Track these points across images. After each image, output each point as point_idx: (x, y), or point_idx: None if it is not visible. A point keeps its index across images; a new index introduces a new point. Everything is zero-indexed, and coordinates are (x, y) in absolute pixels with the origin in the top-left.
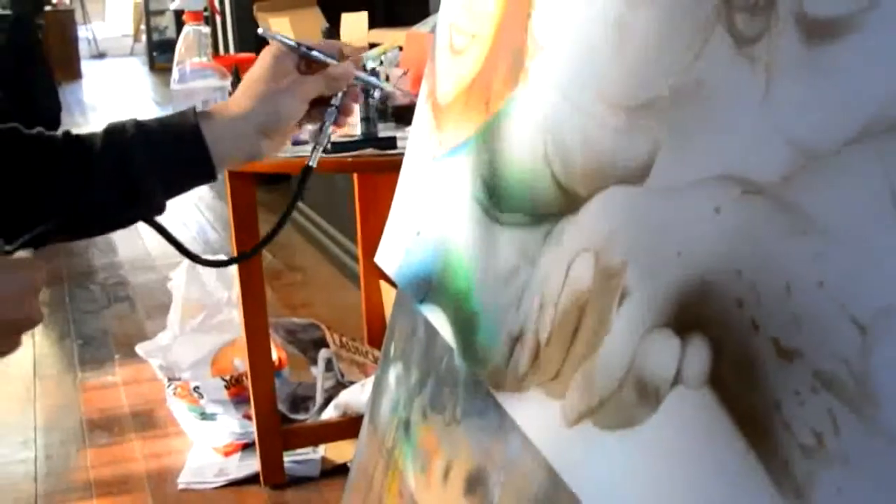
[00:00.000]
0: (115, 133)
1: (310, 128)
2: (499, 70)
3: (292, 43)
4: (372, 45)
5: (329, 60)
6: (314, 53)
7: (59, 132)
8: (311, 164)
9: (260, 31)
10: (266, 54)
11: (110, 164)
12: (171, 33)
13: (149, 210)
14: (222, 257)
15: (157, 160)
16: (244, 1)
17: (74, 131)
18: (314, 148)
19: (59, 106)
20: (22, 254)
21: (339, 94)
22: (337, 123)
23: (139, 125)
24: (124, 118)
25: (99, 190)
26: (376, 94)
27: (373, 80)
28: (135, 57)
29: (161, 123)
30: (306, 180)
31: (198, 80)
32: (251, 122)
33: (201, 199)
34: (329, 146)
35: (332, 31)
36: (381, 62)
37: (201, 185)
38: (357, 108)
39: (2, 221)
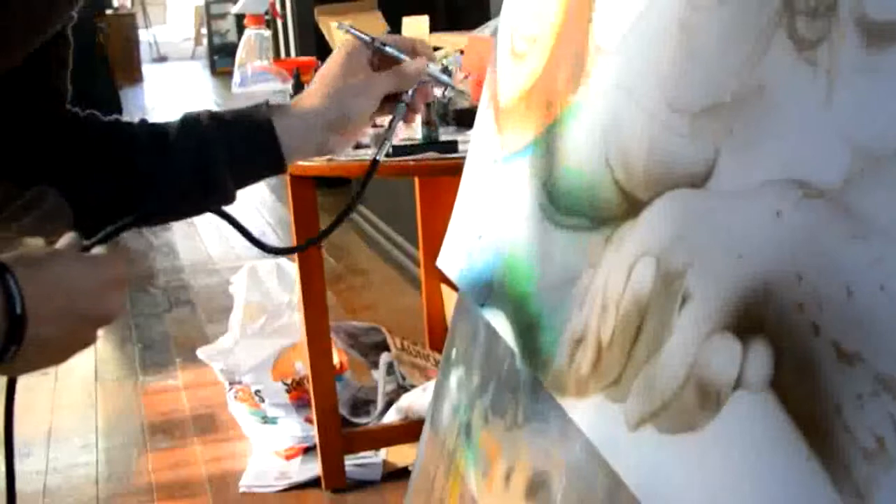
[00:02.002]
0: (190, 122)
1: (371, 132)
2: (560, 73)
3: (367, 38)
4: (433, 49)
5: (402, 56)
6: (388, 49)
7: (138, 120)
8: (378, 157)
9: (335, 24)
10: (340, 50)
11: (186, 152)
12: (232, 37)
13: (222, 199)
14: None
15: (230, 150)
16: (305, 4)
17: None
18: (382, 142)
19: (120, 109)
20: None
21: (410, 91)
22: (406, 120)
23: (214, 115)
24: (199, 109)
25: (174, 177)
26: (448, 92)
27: (445, 78)
28: (196, 60)
29: (235, 114)
30: (373, 173)
31: (259, 84)
32: (322, 117)
33: (262, 203)
34: (390, 150)
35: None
36: (445, 66)
37: (271, 176)
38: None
39: (81, 207)
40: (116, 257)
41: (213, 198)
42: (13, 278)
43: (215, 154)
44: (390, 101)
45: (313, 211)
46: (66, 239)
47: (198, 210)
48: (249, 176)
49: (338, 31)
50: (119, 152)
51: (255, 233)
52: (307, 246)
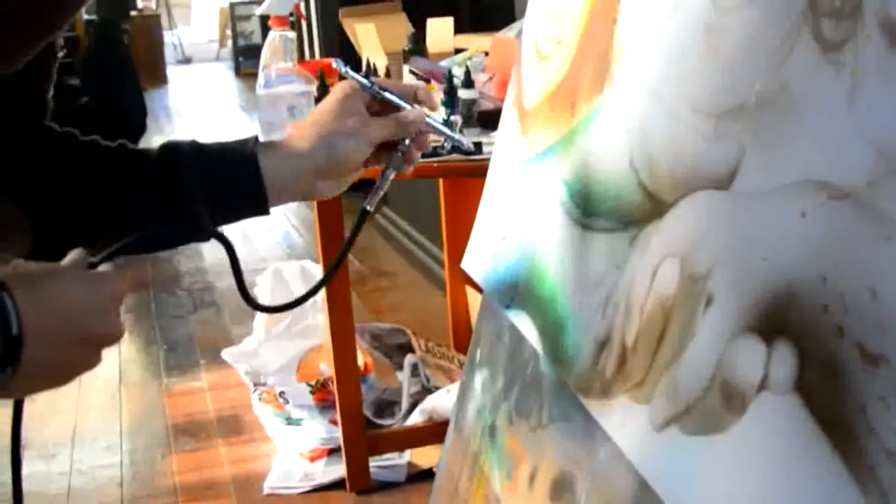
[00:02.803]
0: (169, 151)
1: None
2: (584, 75)
3: (366, 82)
4: (458, 51)
5: (401, 104)
6: (387, 95)
7: (116, 143)
8: (368, 207)
9: (333, 64)
10: (338, 90)
11: (157, 179)
12: (256, 38)
13: (196, 233)
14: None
15: (207, 185)
16: (330, 6)
17: (156, 138)
18: (374, 191)
19: (144, 111)
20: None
21: (408, 140)
22: (401, 170)
23: (196, 147)
24: (184, 138)
25: (141, 203)
26: (447, 144)
27: (445, 129)
28: (220, 62)
29: (220, 148)
30: (362, 223)
31: (283, 86)
32: (308, 161)
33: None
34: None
35: (418, 37)
36: (468, 68)
37: (253, 217)
38: (441, 113)
39: (43, 224)
40: (119, 276)
41: (186, 231)
42: (10, 297)
43: (187, 186)
44: (386, 149)
45: (338, 211)
46: (71, 256)
47: (172, 241)
48: (231, 214)
49: (337, 69)
50: (89, 172)
51: (280, 234)
52: (293, 306)
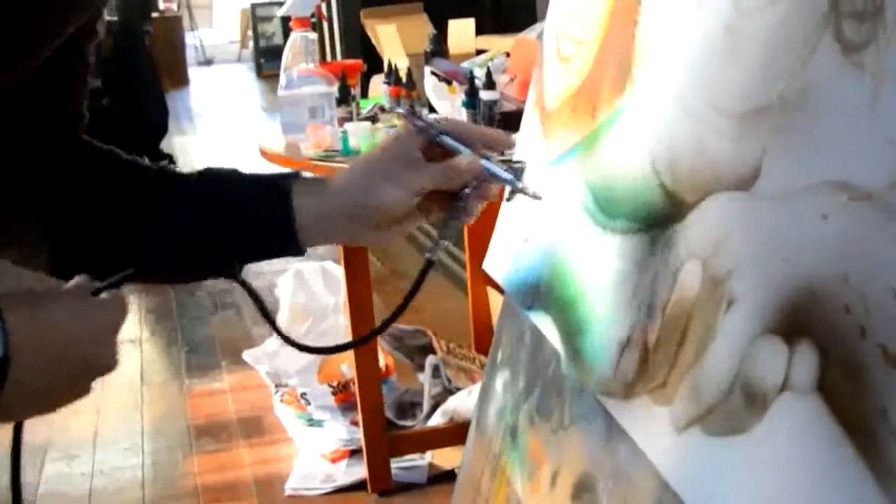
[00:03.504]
0: (207, 179)
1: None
2: (606, 76)
3: (421, 123)
4: (479, 52)
5: (459, 148)
6: (444, 139)
7: (157, 165)
8: (430, 257)
9: (399, 109)
10: (394, 131)
11: (188, 210)
12: (277, 40)
13: (222, 270)
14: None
15: (235, 221)
16: (351, 7)
17: (178, 138)
18: (437, 242)
19: (166, 112)
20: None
21: (468, 188)
22: (462, 221)
23: (234, 178)
24: (224, 166)
25: (169, 231)
26: (508, 192)
27: (507, 176)
28: (242, 63)
29: (256, 181)
30: (426, 274)
31: (305, 87)
32: (341, 204)
33: None
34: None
35: (439, 38)
36: (489, 69)
37: (286, 255)
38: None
39: (61, 243)
40: (118, 305)
41: (213, 268)
42: (1, 318)
43: (216, 219)
44: (444, 198)
45: None
46: (75, 281)
47: (196, 274)
48: (258, 249)
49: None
50: (119, 193)
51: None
52: (345, 348)
